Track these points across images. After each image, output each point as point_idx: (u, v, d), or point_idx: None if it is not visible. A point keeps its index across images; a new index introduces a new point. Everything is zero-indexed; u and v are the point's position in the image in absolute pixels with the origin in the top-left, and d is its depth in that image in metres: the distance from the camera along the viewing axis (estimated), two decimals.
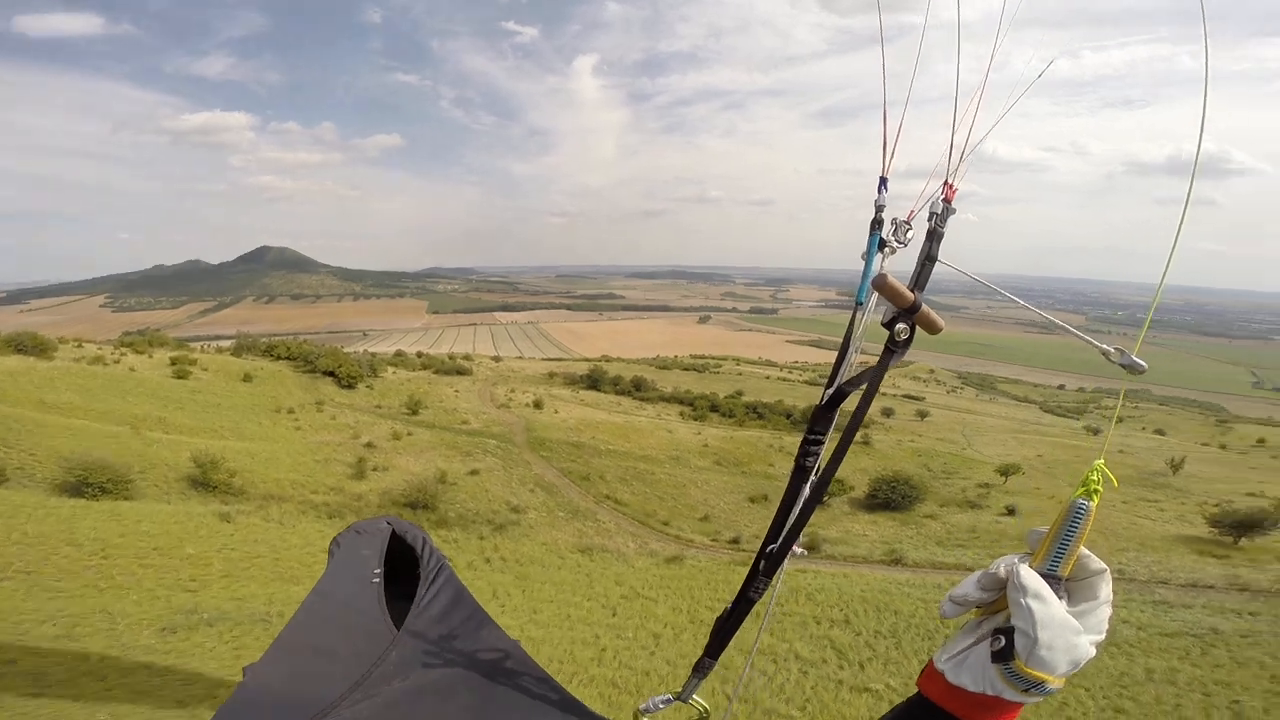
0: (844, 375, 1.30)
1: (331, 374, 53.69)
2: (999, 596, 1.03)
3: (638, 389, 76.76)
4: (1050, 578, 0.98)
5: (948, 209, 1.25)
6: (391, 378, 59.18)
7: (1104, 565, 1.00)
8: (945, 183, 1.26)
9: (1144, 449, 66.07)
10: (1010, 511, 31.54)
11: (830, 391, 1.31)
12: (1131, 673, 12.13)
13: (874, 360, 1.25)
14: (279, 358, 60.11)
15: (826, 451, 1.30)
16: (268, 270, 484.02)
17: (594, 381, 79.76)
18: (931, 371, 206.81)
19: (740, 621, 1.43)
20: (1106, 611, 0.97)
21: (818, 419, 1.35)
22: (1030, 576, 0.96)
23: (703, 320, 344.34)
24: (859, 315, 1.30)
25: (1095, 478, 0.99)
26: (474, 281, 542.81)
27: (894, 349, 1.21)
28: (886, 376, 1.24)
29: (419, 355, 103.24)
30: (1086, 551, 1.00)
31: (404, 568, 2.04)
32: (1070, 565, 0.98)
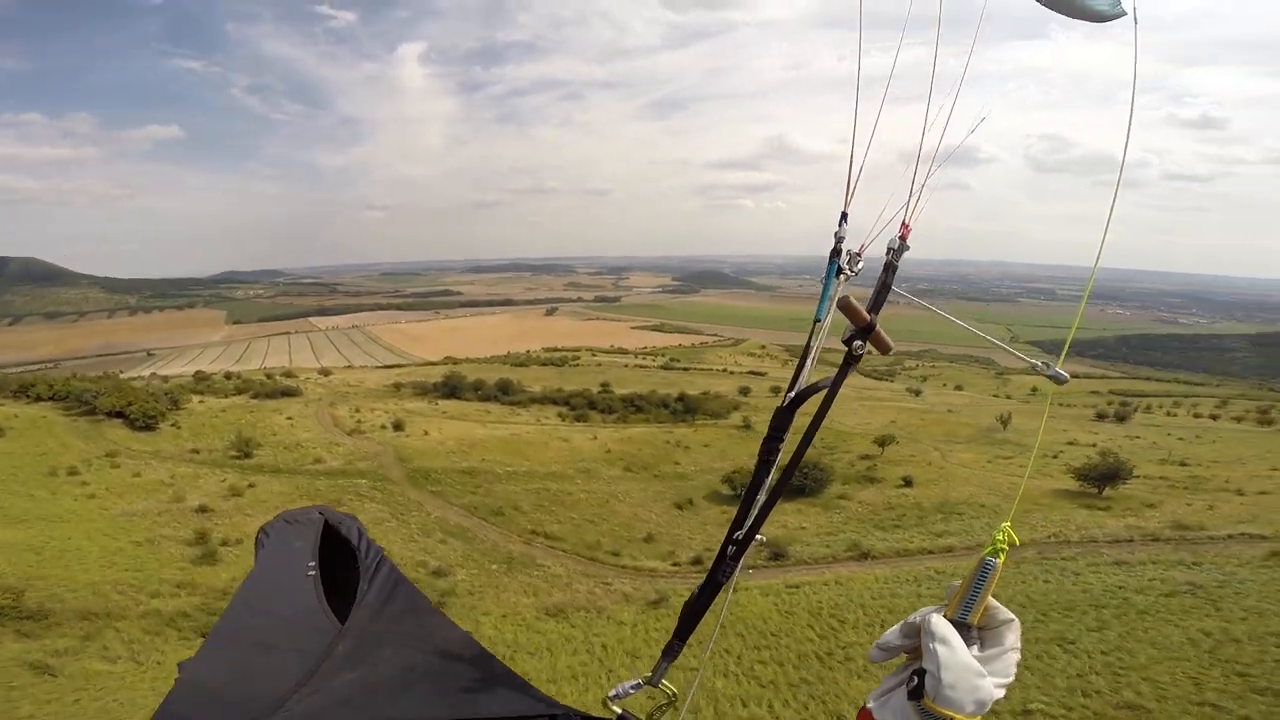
0: (803, 382, 1.43)
1: (120, 414, 42.61)
2: (917, 643, 1.12)
3: (504, 392, 71.70)
4: (961, 626, 1.07)
5: (903, 245, 1.40)
6: (200, 409, 48.80)
7: (1012, 616, 1.10)
8: (903, 223, 1.41)
9: (964, 406, 75.31)
10: (907, 483, 33.17)
11: (792, 395, 1.42)
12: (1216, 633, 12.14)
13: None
14: (39, 399, 46.74)
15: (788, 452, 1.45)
16: (8, 286, 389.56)
17: (452, 388, 73.16)
18: (763, 347, 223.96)
19: (708, 605, 1.50)
20: (1014, 657, 1.07)
21: (779, 420, 1.45)
22: (939, 624, 1.05)
23: (550, 312, 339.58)
24: (818, 330, 1.45)
25: (1001, 539, 1.10)
26: (281, 285, 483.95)
27: (851, 362, 1.36)
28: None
29: (228, 376, 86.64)
30: (995, 603, 1.10)
31: (338, 561, 1.87)
32: (979, 614, 1.08)
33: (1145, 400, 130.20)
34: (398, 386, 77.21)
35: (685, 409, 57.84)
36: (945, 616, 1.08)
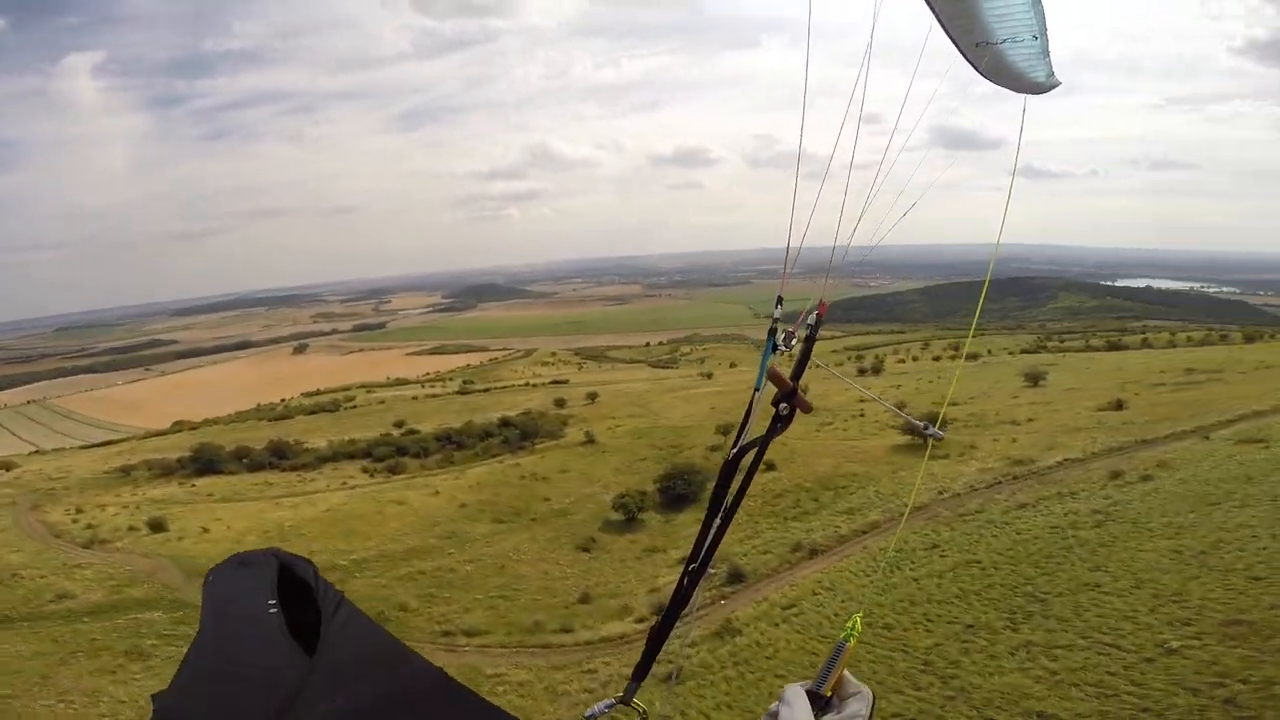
0: (745, 440, 1.69)
1: None
2: None
3: (281, 456, 59.48)
4: (817, 695, 1.28)
5: (819, 321, 1.73)
6: None
7: (862, 688, 1.29)
8: (820, 301, 1.72)
9: (736, 382, 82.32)
10: (770, 467, 34.09)
11: (735, 450, 1.69)
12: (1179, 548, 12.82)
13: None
14: None
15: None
16: None
17: (207, 462, 58.42)
18: (554, 354, 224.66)
19: (671, 628, 1.69)
20: None
21: (726, 471, 1.71)
22: (792, 692, 1.25)
23: (299, 350, 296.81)
24: (756, 397, 1.71)
25: (850, 626, 1.35)
26: None
27: (778, 422, 1.64)
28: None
29: None
30: (849, 676, 1.32)
31: (294, 603, 1.80)
32: (831, 686, 1.29)
33: (873, 351, 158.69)
34: (126, 470, 59.72)
35: (521, 435, 53.62)
36: (803, 688, 1.28)
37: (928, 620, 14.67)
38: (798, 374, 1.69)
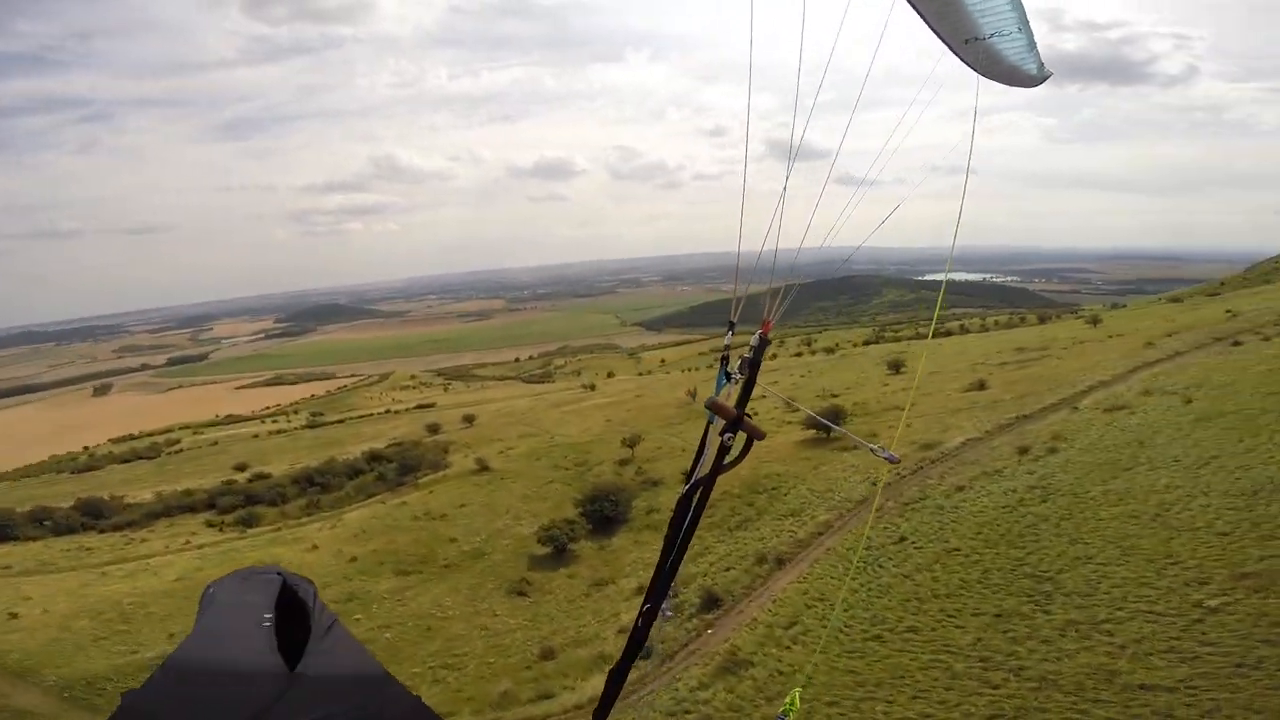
0: (699, 473, 1.66)
1: None
2: None
3: (98, 515, 48.82)
4: None
5: (763, 341, 1.66)
6: None
7: None
8: (764, 320, 1.64)
9: (645, 390, 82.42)
10: (639, 473, 33.35)
11: (687, 487, 1.67)
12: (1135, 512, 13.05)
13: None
14: None
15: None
16: None
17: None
18: (414, 376, 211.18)
19: (628, 671, 1.67)
20: None
21: (681, 506, 1.69)
22: None
23: (101, 390, 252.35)
24: (711, 427, 1.68)
25: (789, 701, 1.31)
26: None
27: (725, 452, 1.59)
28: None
29: None
30: None
31: (292, 623, 1.88)
32: None
33: (739, 350, 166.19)
34: None
35: (399, 469, 48.15)
36: None
37: (949, 616, 14.26)
38: (743, 401, 1.59)
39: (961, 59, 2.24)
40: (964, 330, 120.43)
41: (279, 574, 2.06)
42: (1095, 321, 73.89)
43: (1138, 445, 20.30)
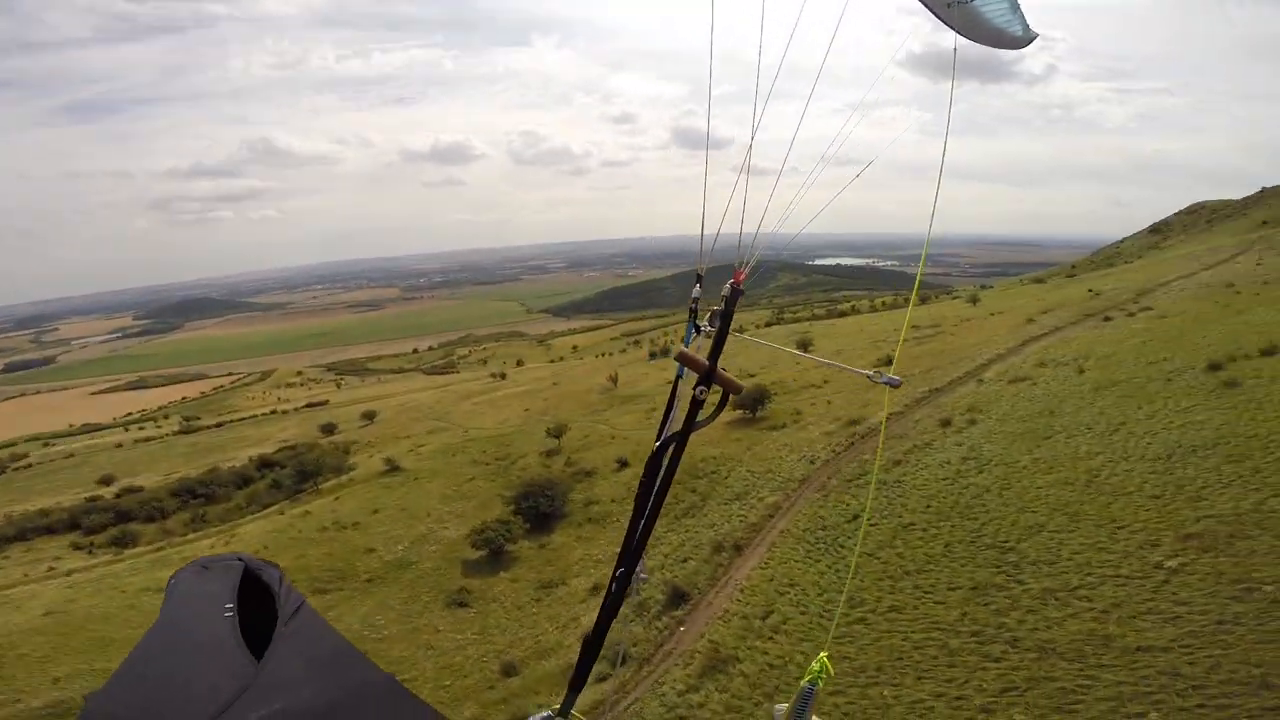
0: (668, 431, 1.61)
1: None
2: None
3: None
4: None
5: (735, 290, 1.60)
6: None
7: None
8: (735, 270, 1.58)
9: (562, 377, 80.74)
10: (623, 464, 32.42)
11: (658, 443, 1.60)
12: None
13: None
14: None
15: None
16: None
17: None
18: (300, 373, 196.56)
19: (603, 638, 1.63)
20: None
21: (651, 464, 1.62)
22: None
23: None
24: (679, 382, 1.66)
25: (817, 668, 1.32)
26: None
27: (696, 407, 1.53)
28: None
29: None
30: None
31: (257, 608, 1.86)
32: None
33: (648, 335, 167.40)
34: None
35: (297, 475, 43.81)
36: None
37: (926, 593, 14.28)
38: (715, 353, 1.55)
39: (944, 22, 2.12)
40: (855, 311, 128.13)
41: (240, 559, 2.03)
42: (974, 300, 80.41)
43: (1049, 414, 21.78)
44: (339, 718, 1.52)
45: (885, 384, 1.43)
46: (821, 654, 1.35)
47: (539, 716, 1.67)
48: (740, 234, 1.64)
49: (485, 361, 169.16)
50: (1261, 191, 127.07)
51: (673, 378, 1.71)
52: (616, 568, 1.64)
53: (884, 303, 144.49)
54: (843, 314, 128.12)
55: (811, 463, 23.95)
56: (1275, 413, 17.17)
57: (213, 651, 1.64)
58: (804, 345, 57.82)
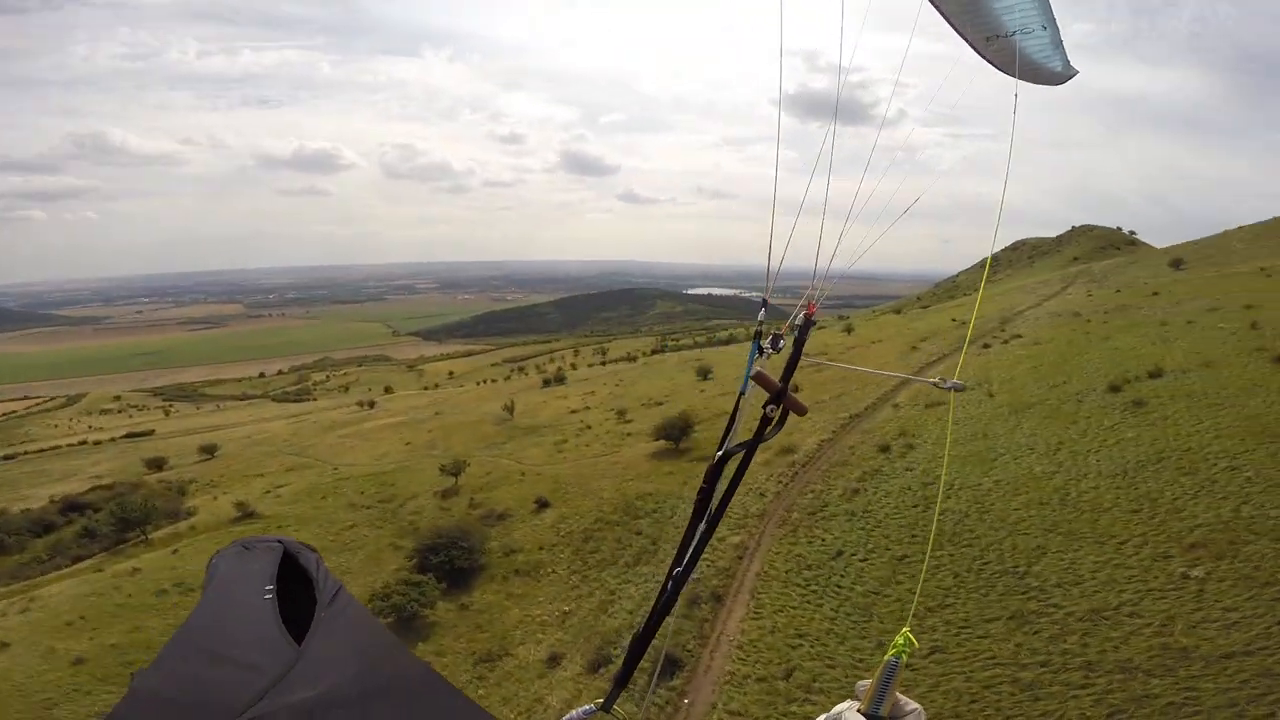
0: (730, 443, 1.68)
1: None
2: None
3: None
4: (874, 718, 1.27)
5: (809, 322, 1.75)
6: None
7: (917, 706, 1.28)
8: (809, 301, 1.71)
9: (445, 407, 74.70)
10: (543, 505, 28.44)
11: (720, 454, 1.66)
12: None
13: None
14: None
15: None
16: None
17: None
18: (118, 398, 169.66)
19: (653, 636, 1.66)
20: None
21: (710, 474, 1.68)
22: (855, 717, 1.25)
23: None
24: (741, 401, 1.74)
25: (902, 641, 1.33)
26: None
27: (766, 424, 1.66)
28: None
29: None
30: (901, 696, 1.30)
31: (295, 591, 1.90)
32: (888, 707, 1.27)
33: (532, 360, 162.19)
34: None
35: (119, 523, 35.08)
36: (860, 711, 1.26)
37: (960, 628, 13.13)
38: (787, 375, 1.63)
39: (983, 57, 2.20)
40: (732, 340, 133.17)
41: (280, 542, 2.08)
42: (849, 330, 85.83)
43: (983, 437, 22.16)
44: (377, 705, 1.51)
45: (951, 389, 1.49)
46: (904, 629, 1.34)
47: (581, 710, 1.61)
48: (815, 268, 1.77)
49: (347, 388, 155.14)
50: (1072, 230, 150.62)
51: (736, 397, 1.76)
52: (673, 568, 1.65)
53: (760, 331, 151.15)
54: (720, 342, 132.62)
55: (762, 495, 22.51)
56: (1191, 428, 18.29)
57: (254, 633, 1.66)
58: (705, 373, 57.80)
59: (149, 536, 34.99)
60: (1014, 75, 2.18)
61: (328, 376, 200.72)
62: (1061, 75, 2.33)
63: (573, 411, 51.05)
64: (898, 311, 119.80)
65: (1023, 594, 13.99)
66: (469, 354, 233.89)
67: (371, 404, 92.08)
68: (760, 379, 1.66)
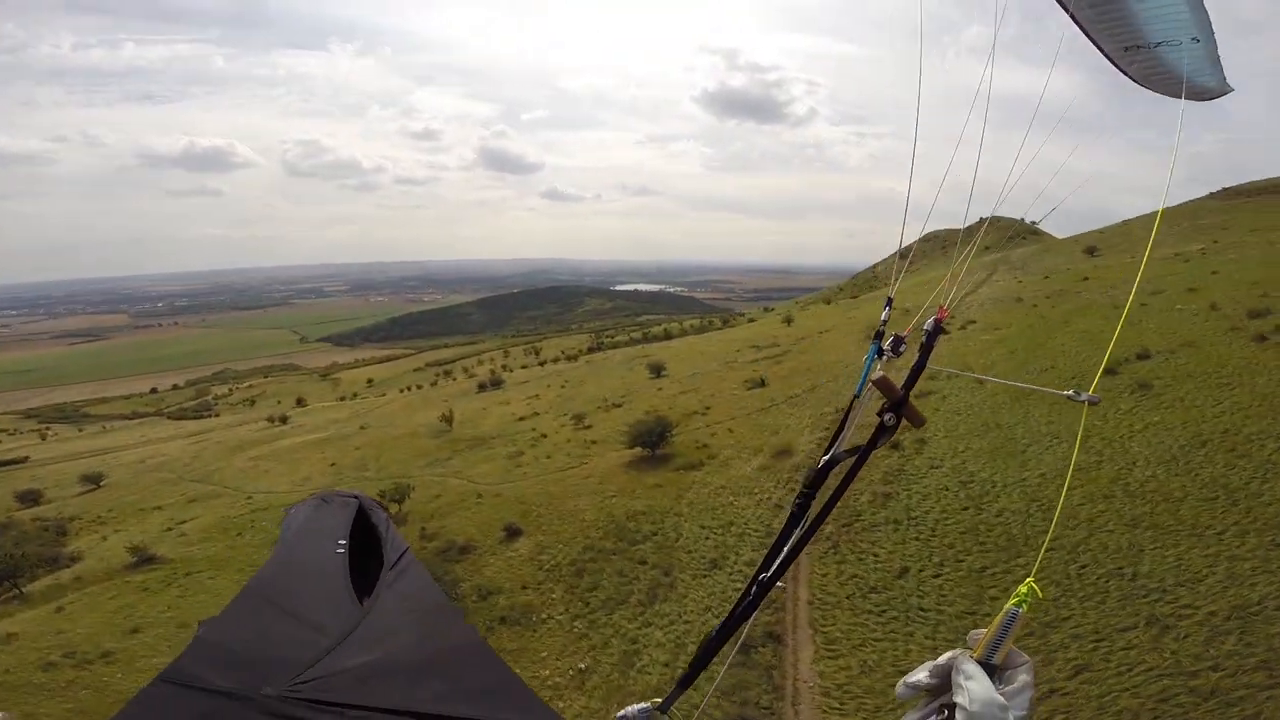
0: (839, 448, 1.60)
1: None
2: (944, 682, 1.25)
3: None
4: (987, 666, 1.22)
5: (938, 328, 1.63)
6: None
7: (1028, 658, 1.23)
8: (940, 306, 1.62)
9: (372, 419, 68.74)
10: (513, 533, 24.27)
11: (826, 459, 1.59)
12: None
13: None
14: None
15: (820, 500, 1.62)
16: None
17: None
18: None
19: (725, 640, 1.60)
20: (1030, 694, 1.19)
21: (814, 479, 1.61)
22: (971, 665, 1.20)
23: None
24: (856, 405, 1.66)
25: (1025, 590, 1.26)
26: None
27: (882, 433, 1.54)
28: None
29: None
30: (1014, 647, 1.25)
31: (365, 546, 1.94)
32: (1003, 655, 1.23)
33: (459, 363, 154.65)
34: None
35: None
36: (973, 658, 1.21)
37: (1094, 641, 11.81)
38: (910, 382, 1.57)
39: (1118, 68, 2.10)
40: (668, 335, 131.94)
41: (356, 497, 2.12)
42: (789, 321, 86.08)
43: (996, 428, 21.06)
44: (435, 672, 1.53)
45: (1086, 402, 1.43)
46: (1029, 579, 1.23)
47: (638, 707, 1.61)
48: (950, 273, 1.69)
49: (253, 402, 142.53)
50: (980, 221, 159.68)
51: (849, 401, 1.68)
52: (759, 573, 1.60)
53: (693, 325, 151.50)
54: (657, 338, 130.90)
55: (778, 507, 20.28)
56: (1212, 410, 17.78)
57: (322, 589, 1.67)
58: (657, 370, 55.49)
59: (23, 591, 28.86)
60: (1152, 89, 2.09)
61: (231, 390, 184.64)
62: (1214, 91, 2.12)
63: (520, 419, 47.44)
64: (827, 302, 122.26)
65: (1144, 597, 12.84)
66: (388, 359, 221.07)
67: (284, 419, 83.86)
68: (882, 384, 1.53)
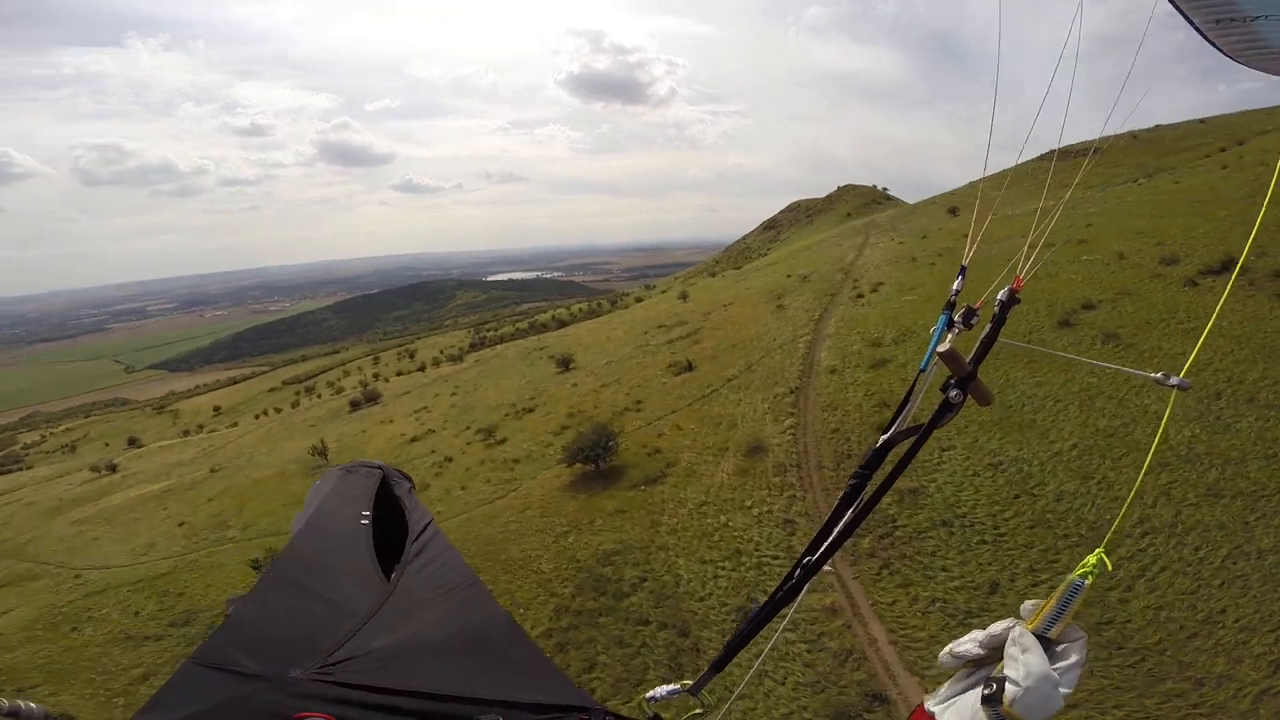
0: (900, 426, 1.52)
1: None
2: (992, 653, 1.22)
3: None
4: (1042, 639, 1.16)
5: (1013, 298, 1.50)
6: None
7: (1083, 633, 1.19)
8: (1016, 276, 1.52)
9: (238, 451, 58.56)
10: (256, 566, 19.62)
11: (886, 437, 1.52)
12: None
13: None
14: None
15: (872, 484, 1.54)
16: None
17: None
18: None
19: (764, 624, 1.55)
20: (1079, 671, 1.15)
21: (872, 457, 1.53)
22: (1027, 637, 1.15)
23: None
24: (921, 380, 1.54)
25: (1094, 561, 1.20)
26: None
27: (947, 410, 1.45)
28: None
29: None
30: (1072, 623, 1.20)
31: (388, 515, 1.93)
32: (1060, 630, 1.18)
33: (321, 377, 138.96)
34: None
35: None
36: (1029, 629, 1.16)
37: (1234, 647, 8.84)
38: (980, 356, 1.45)
39: (1210, 41, 1.89)
40: (561, 323, 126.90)
41: (380, 467, 2.08)
42: (684, 297, 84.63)
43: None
44: (463, 651, 1.53)
45: (1176, 387, 1.29)
46: (1099, 549, 1.17)
47: (669, 688, 1.59)
48: (1028, 241, 1.57)
49: (74, 447, 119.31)
50: (839, 190, 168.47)
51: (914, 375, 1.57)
52: (804, 556, 1.53)
53: (582, 309, 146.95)
54: (549, 326, 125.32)
55: (787, 521, 17.06)
56: (1204, 358, 17.12)
57: (347, 563, 1.66)
58: (566, 363, 51.23)
59: None
60: (1253, 66, 1.92)
61: (43, 436, 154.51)
62: None
63: (413, 439, 41.35)
64: (712, 275, 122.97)
65: (1240, 586, 11.56)
66: (234, 381, 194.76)
67: (112, 466, 69.69)
68: (949, 358, 1.42)
